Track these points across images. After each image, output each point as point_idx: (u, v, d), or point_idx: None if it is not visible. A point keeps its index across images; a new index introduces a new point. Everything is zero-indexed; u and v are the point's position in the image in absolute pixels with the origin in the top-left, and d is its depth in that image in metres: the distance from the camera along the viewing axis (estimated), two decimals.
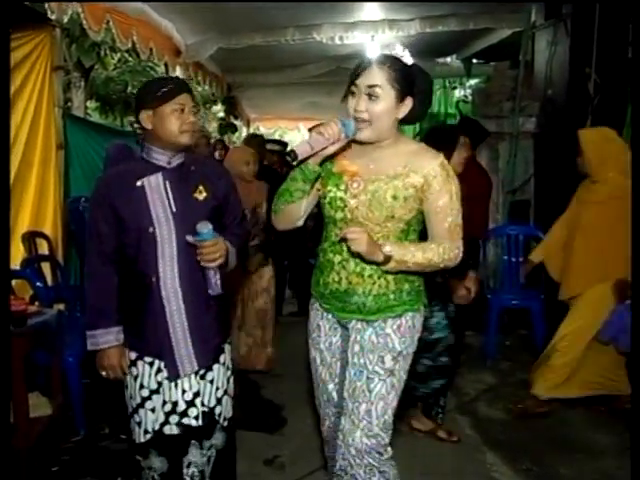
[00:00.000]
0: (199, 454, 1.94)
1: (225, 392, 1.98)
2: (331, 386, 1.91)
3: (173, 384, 1.89)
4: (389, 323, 1.78)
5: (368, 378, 1.77)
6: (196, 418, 1.91)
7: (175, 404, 1.89)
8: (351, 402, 1.79)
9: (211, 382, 1.94)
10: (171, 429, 1.90)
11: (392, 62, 1.68)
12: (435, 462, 2.68)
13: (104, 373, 1.95)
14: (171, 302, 1.84)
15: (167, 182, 1.83)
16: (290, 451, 2.80)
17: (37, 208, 3.68)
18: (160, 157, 1.85)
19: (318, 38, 5.30)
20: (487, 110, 4.95)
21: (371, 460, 1.76)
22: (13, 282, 3.11)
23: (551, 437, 2.91)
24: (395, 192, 1.70)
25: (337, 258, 1.79)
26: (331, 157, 1.76)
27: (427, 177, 1.70)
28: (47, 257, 3.63)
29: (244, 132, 9.70)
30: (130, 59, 8.83)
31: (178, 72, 6.00)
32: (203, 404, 1.92)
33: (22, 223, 3.58)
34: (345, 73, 6.68)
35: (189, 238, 1.77)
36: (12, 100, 3.45)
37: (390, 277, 1.76)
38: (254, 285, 3.68)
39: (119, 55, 8.45)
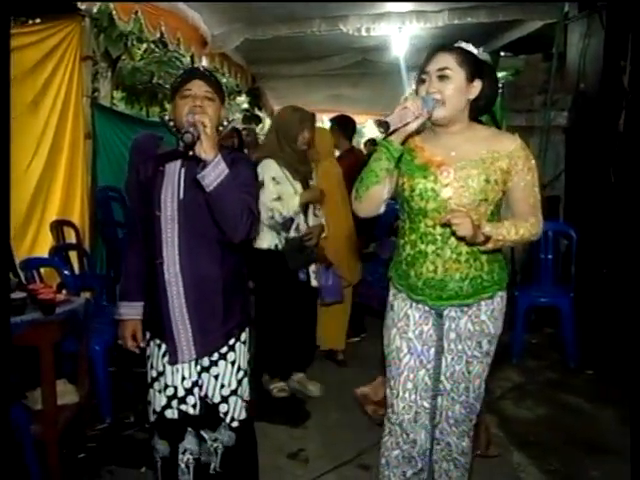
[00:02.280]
0: (194, 442, 1.95)
1: (234, 392, 1.95)
2: (422, 372, 1.94)
3: (174, 369, 1.91)
4: (483, 309, 1.86)
5: (467, 362, 1.90)
6: (194, 407, 1.93)
7: (176, 389, 1.92)
8: (450, 383, 1.93)
9: (216, 377, 1.93)
10: (173, 413, 1.93)
11: (458, 47, 1.79)
12: None
13: (120, 342, 2.07)
14: (172, 286, 1.86)
15: (183, 169, 1.86)
16: (314, 445, 2.79)
17: (65, 197, 3.72)
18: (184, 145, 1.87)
19: (344, 29, 5.24)
20: (517, 104, 4.85)
21: (464, 427, 1.97)
22: (42, 270, 3.15)
23: (581, 437, 2.86)
24: (487, 175, 1.77)
25: (430, 248, 1.83)
26: (409, 149, 1.83)
27: (512, 158, 1.78)
28: (74, 246, 3.67)
29: (267, 123, 9.68)
30: (156, 50, 8.87)
31: (204, 63, 6.00)
32: (207, 396, 1.93)
33: (51, 212, 3.62)
34: (371, 65, 6.61)
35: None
36: (42, 89, 3.50)
37: (483, 258, 1.83)
38: None
39: (145, 45, 8.49)
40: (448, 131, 1.82)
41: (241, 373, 1.97)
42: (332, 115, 5.38)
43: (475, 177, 1.76)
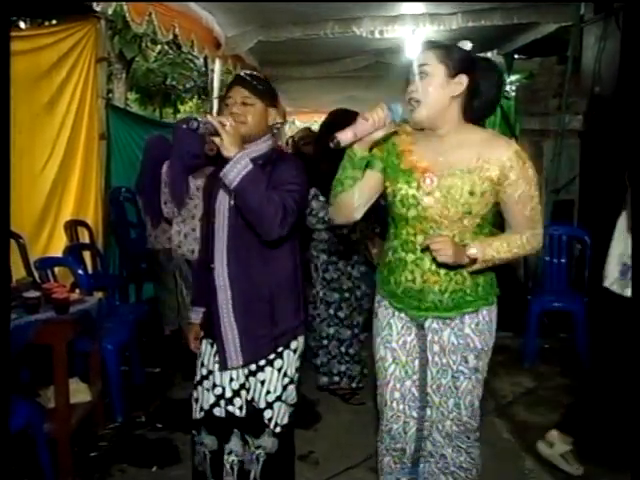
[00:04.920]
0: (239, 444, 1.96)
1: (278, 398, 1.94)
2: (409, 383, 1.87)
3: (223, 371, 1.94)
4: (467, 322, 1.78)
5: (453, 377, 1.81)
6: (240, 408, 1.94)
7: (224, 389, 1.94)
8: (437, 397, 1.85)
9: (262, 383, 1.93)
10: (220, 412, 1.95)
11: (441, 43, 1.71)
12: None
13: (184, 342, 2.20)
14: (221, 292, 1.90)
15: None
16: (324, 447, 2.78)
17: (80, 197, 3.74)
18: None
19: (358, 32, 5.23)
20: (532, 107, 4.82)
21: (459, 443, 1.87)
22: (56, 269, 3.18)
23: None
24: (472, 187, 1.66)
25: (410, 257, 1.76)
26: (397, 153, 1.76)
27: (503, 168, 1.66)
28: (88, 245, 3.70)
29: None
30: (170, 51, 8.92)
31: (217, 65, 6.03)
32: (253, 399, 1.93)
33: (65, 212, 3.64)
34: (384, 67, 6.58)
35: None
36: (58, 90, 3.52)
37: (465, 272, 1.73)
38: None
39: (159, 47, 8.54)
40: (436, 134, 1.71)
41: (287, 379, 1.96)
42: None
43: (459, 188, 1.66)
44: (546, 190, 4.59)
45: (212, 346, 1.97)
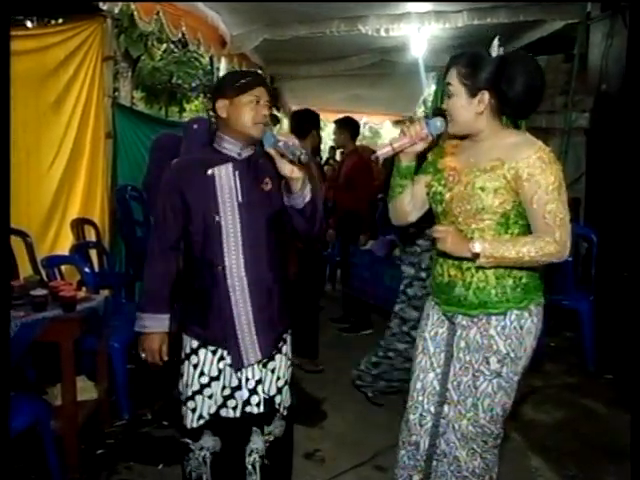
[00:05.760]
0: (260, 441, 1.94)
1: (286, 382, 1.99)
2: (431, 375, 1.93)
3: (236, 372, 1.91)
4: (493, 323, 1.78)
5: (474, 375, 1.82)
6: (258, 405, 1.92)
7: (234, 389, 1.92)
8: (456, 394, 1.87)
9: (272, 371, 1.95)
10: (227, 412, 1.93)
11: (465, 59, 1.73)
12: None
13: (144, 355, 1.99)
14: (236, 291, 1.85)
15: (236, 172, 1.85)
16: (330, 445, 2.79)
17: (86, 196, 3.76)
18: (231, 147, 1.87)
19: (363, 30, 5.23)
20: None
21: (475, 446, 1.85)
22: (63, 267, 3.19)
23: (599, 442, 2.83)
24: (483, 183, 1.72)
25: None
26: (441, 155, 1.89)
27: (518, 168, 1.68)
28: (94, 244, 3.72)
29: (285, 124, 9.71)
30: (176, 50, 8.94)
31: (223, 63, 6.04)
32: (264, 391, 1.93)
33: (72, 210, 3.66)
34: (389, 65, 6.56)
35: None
36: (65, 89, 3.54)
37: (489, 271, 1.75)
38: None
39: (165, 46, 8.56)
40: (475, 139, 1.80)
41: (289, 362, 2.02)
42: (349, 115, 5.38)
43: (473, 184, 1.73)
44: None
45: (214, 353, 1.91)
